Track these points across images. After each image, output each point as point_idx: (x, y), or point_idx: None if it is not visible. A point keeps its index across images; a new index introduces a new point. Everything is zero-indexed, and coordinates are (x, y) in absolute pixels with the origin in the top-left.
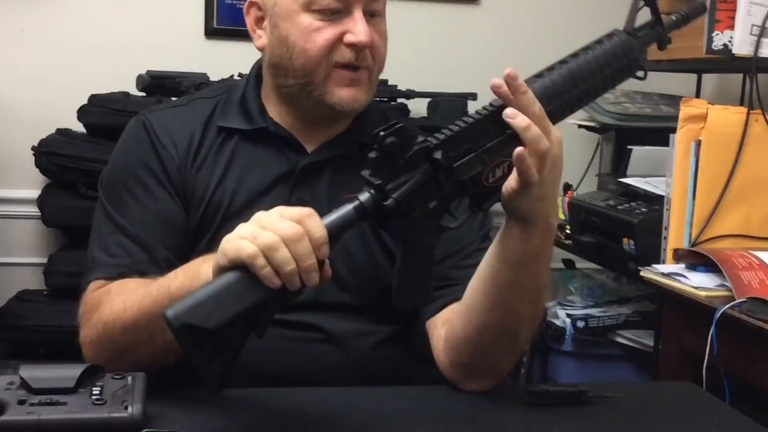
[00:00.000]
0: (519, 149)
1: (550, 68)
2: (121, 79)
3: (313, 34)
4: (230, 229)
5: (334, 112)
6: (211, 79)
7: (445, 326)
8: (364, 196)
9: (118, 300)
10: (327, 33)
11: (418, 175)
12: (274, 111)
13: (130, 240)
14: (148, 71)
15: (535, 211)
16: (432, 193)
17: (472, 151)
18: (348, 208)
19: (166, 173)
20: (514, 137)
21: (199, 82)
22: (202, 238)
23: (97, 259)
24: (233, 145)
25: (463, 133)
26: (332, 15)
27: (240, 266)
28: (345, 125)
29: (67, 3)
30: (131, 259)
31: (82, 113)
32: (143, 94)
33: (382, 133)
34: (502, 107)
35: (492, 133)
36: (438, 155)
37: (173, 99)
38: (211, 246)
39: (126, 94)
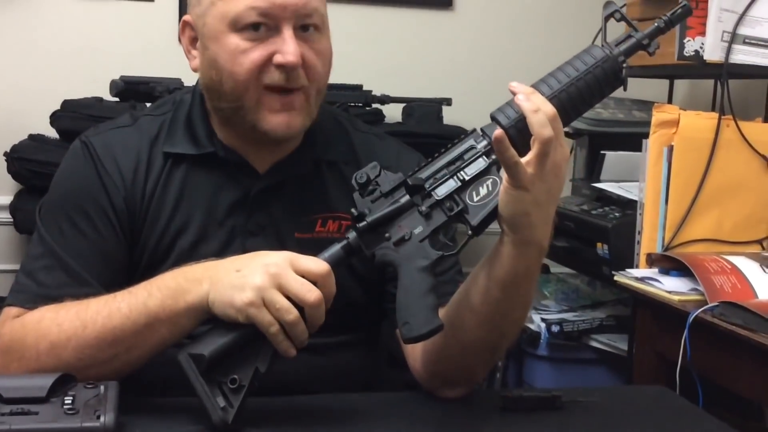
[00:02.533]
0: (497, 131)
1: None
2: (94, 84)
3: (240, 56)
4: (185, 262)
5: (270, 138)
6: (185, 84)
7: None
8: (351, 234)
9: (67, 317)
10: (254, 54)
11: (396, 202)
12: (221, 132)
13: (63, 270)
14: (121, 76)
15: (532, 226)
16: (417, 219)
17: (447, 174)
18: (336, 247)
19: (111, 204)
20: (489, 151)
21: (173, 87)
22: (154, 271)
23: (20, 283)
24: (183, 171)
25: (436, 161)
26: (260, 34)
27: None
28: (297, 142)
29: (40, 7)
30: (57, 290)
31: (55, 119)
32: (117, 99)
33: (356, 173)
34: (473, 131)
35: (467, 157)
36: (410, 180)
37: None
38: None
39: (99, 100)
